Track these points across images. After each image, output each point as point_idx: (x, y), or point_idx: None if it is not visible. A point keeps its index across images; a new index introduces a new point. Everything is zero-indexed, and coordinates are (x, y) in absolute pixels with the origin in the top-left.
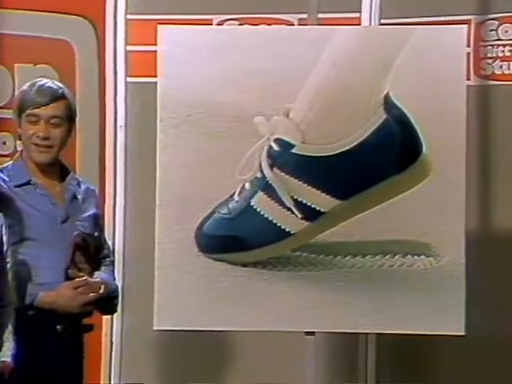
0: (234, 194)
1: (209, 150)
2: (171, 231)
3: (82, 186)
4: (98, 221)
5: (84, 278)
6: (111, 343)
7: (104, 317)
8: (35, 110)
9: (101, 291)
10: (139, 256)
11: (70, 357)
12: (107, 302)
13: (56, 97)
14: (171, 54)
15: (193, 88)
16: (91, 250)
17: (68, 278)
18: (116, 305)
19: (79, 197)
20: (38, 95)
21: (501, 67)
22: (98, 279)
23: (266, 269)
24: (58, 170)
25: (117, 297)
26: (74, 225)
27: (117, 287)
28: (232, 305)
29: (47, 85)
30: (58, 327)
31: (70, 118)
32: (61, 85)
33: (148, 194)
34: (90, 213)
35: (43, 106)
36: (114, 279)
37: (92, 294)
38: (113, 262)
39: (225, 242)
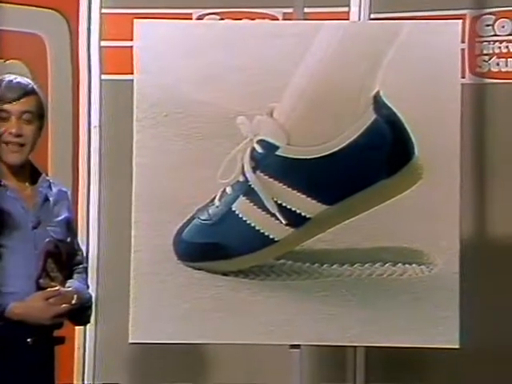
0: (214, 198)
1: (188, 152)
2: (148, 238)
3: (54, 189)
4: (70, 225)
5: (56, 288)
6: (84, 356)
7: (77, 329)
8: (5, 106)
9: (73, 302)
10: (114, 264)
11: (41, 371)
12: (80, 313)
13: (26, 92)
14: (148, 50)
15: (171, 86)
16: (63, 258)
17: (39, 287)
18: (89, 315)
19: (51, 199)
20: (7, 91)
21: (498, 64)
22: (70, 289)
23: (248, 278)
24: (29, 171)
25: (90, 307)
26: (46, 230)
27: (90, 296)
28: (212, 316)
29: (16, 80)
30: (29, 340)
31: (40, 114)
32: (30, 81)
33: (124, 199)
34: (62, 217)
35: (14, 101)
36: (88, 287)
37: (64, 305)
38: (86, 269)
39: (205, 250)
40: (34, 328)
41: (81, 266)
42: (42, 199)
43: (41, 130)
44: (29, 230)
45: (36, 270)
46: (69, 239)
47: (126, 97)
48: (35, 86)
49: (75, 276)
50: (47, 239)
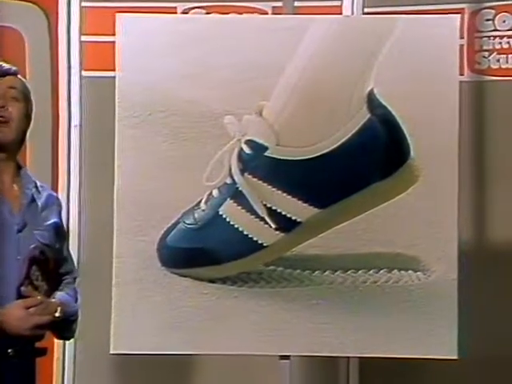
0: (200, 201)
1: (172, 153)
2: (131, 243)
3: (44, 192)
4: (59, 231)
5: (38, 297)
6: (63, 368)
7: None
8: None
9: (57, 314)
10: (95, 270)
11: (22, 383)
12: (64, 326)
13: (10, 72)
14: (131, 45)
15: (155, 84)
16: (50, 265)
17: (20, 295)
18: (74, 330)
19: (39, 203)
20: None
21: (498, 61)
22: (54, 300)
23: (236, 285)
24: (15, 170)
25: (75, 321)
26: (32, 234)
27: (77, 310)
28: (198, 326)
29: None
30: (10, 351)
31: (26, 95)
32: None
33: (105, 201)
34: (50, 221)
35: None
36: (77, 300)
37: (46, 317)
38: (75, 280)
39: (190, 256)
40: (16, 339)
41: (70, 276)
42: (28, 200)
43: (28, 119)
44: (13, 234)
45: (18, 276)
46: (57, 245)
47: (107, 95)
48: (18, 71)
49: (64, 287)
50: (33, 245)
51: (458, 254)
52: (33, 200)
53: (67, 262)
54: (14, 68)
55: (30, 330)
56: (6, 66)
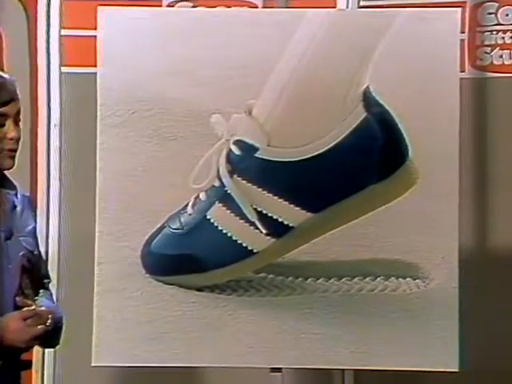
0: (187, 205)
1: (157, 154)
2: (113, 249)
3: (19, 195)
4: (36, 235)
5: (32, 307)
6: (42, 381)
7: (34, 350)
8: (2, 109)
9: (48, 322)
10: (75, 278)
11: None
12: (53, 335)
13: (15, 88)
14: (113, 40)
15: (139, 81)
16: (35, 272)
17: (16, 306)
18: (59, 337)
19: (18, 207)
20: (2, 90)
21: (501, 57)
22: (43, 308)
23: (225, 293)
24: None
25: (61, 328)
26: (19, 241)
27: (61, 317)
28: (185, 337)
29: (5, 77)
30: None
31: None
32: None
33: (86, 205)
34: (30, 227)
35: (9, 102)
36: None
37: (40, 327)
38: (50, 283)
39: (176, 262)
40: (4, 351)
41: (47, 280)
42: (10, 206)
43: None
44: (1, 242)
45: (11, 285)
46: (37, 251)
47: (88, 92)
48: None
49: (41, 292)
50: (22, 252)
51: (459, 261)
52: (14, 206)
53: (43, 265)
54: (14, 80)
55: (28, 342)
56: (9, 78)
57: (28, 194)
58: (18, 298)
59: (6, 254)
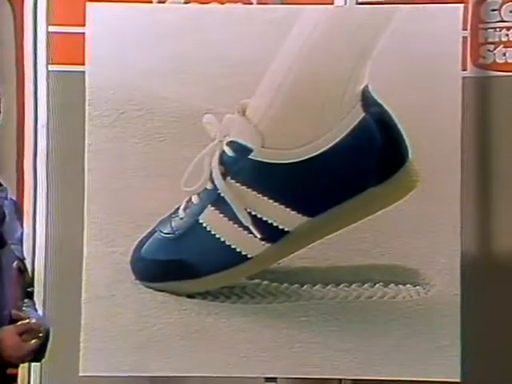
0: (178, 208)
1: (147, 156)
2: (102, 255)
3: (8, 196)
4: (23, 241)
5: (26, 320)
6: None
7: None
8: None
9: (41, 335)
10: (63, 285)
11: None
12: (43, 348)
13: None
14: (102, 37)
15: (128, 79)
16: (25, 282)
17: (11, 319)
18: (46, 350)
19: (6, 212)
20: None
21: (504, 55)
22: (34, 320)
23: (218, 300)
24: None
25: (49, 340)
26: (11, 249)
27: (49, 329)
28: (176, 345)
29: None
30: None
31: None
32: None
33: (75, 208)
34: (19, 233)
35: None
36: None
37: (34, 341)
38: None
39: (167, 268)
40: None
41: (30, 288)
42: (1, 212)
43: None
44: None
45: (6, 297)
46: (25, 258)
47: (77, 91)
48: None
49: (27, 302)
50: (15, 262)
51: (461, 267)
52: (3, 213)
53: (27, 271)
54: None
55: (24, 358)
56: None
57: (14, 198)
58: (13, 311)
59: (0, 264)
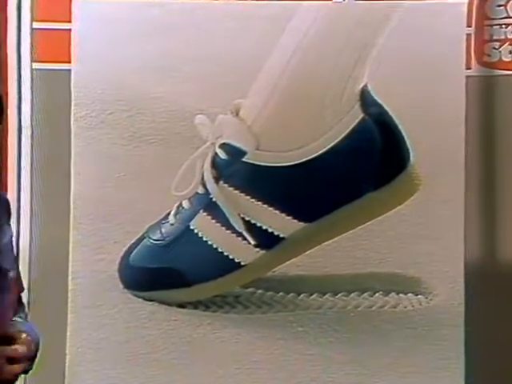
0: (168, 214)
1: (136, 159)
2: (88, 262)
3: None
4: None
5: (23, 335)
6: None
7: None
8: None
9: (33, 354)
10: (47, 295)
11: None
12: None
13: None
14: (89, 34)
15: (116, 78)
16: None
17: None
18: (34, 362)
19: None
20: None
21: (510, 53)
22: (23, 335)
23: (210, 310)
24: None
25: (38, 351)
26: (5, 258)
27: (39, 341)
28: (165, 357)
29: None
30: None
31: None
32: None
33: (59, 213)
34: (9, 236)
35: None
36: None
37: (25, 364)
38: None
39: (156, 276)
40: None
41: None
42: None
43: None
44: None
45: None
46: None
47: (63, 91)
48: None
49: (20, 312)
50: (11, 272)
51: (465, 275)
52: None
53: (20, 279)
54: None
55: (12, 381)
56: None
57: (5, 196)
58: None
59: None
